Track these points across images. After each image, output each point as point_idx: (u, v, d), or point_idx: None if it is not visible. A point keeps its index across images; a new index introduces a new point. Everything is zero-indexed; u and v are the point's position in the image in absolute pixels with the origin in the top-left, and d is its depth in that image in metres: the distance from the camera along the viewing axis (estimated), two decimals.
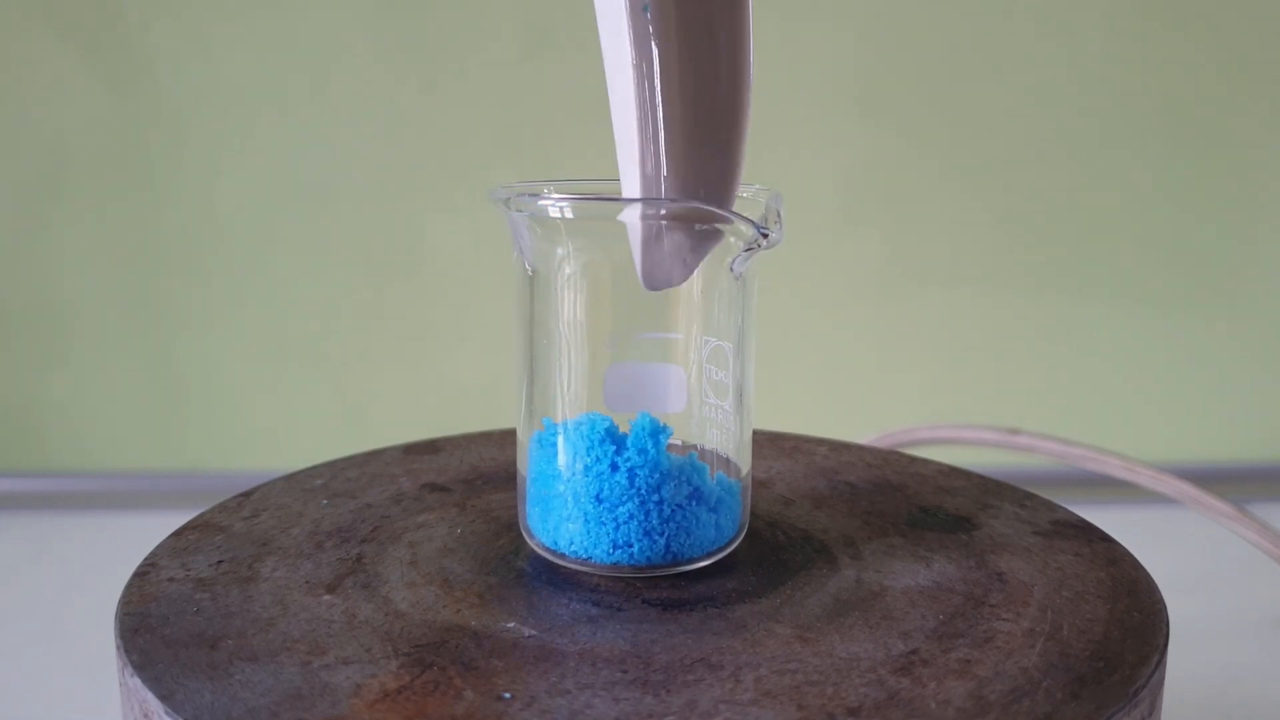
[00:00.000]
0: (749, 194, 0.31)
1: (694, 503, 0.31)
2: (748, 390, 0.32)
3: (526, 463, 0.32)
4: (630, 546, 0.30)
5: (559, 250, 0.30)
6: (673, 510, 0.30)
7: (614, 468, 0.30)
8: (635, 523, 0.30)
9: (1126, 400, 0.74)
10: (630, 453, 0.30)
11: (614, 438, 0.30)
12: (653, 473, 0.30)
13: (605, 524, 0.30)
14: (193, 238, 0.70)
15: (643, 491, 0.30)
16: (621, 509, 0.30)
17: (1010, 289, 0.72)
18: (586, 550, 0.30)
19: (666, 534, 0.30)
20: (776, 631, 0.28)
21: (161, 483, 0.72)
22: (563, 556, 0.31)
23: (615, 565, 0.30)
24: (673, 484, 0.30)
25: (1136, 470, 0.49)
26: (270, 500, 0.37)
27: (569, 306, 0.31)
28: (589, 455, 0.30)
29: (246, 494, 0.37)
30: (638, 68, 0.27)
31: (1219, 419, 0.74)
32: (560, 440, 0.31)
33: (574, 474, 0.30)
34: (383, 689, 0.25)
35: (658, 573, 0.31)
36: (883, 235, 0.71)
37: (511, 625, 0.28)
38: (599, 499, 0.30)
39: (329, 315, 0.72)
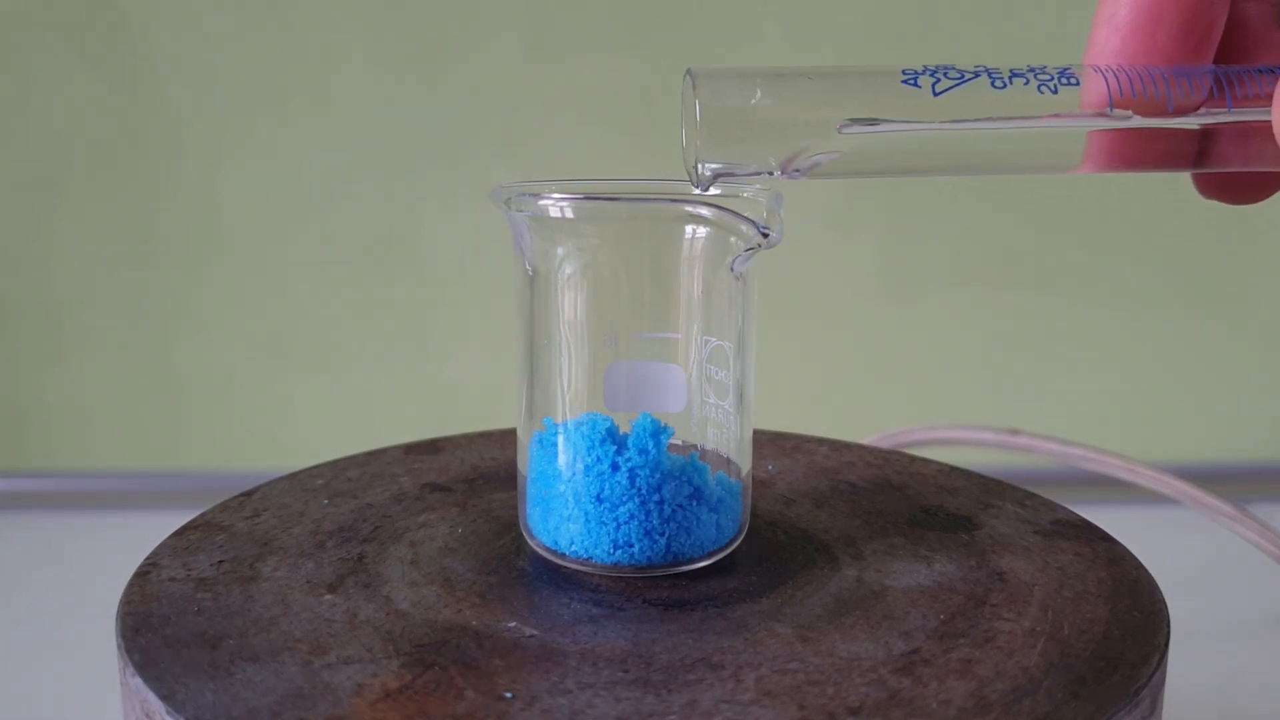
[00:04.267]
0: (749, 194, 0.31)
1: (694, 503, 0.31)
2: (748, 390, 0.32)
3: (527, 463, 0.32)
4: (631, 546, 0.30)
5: (559, 250, 0.30)
6: (673, 510, 0.30)
7: (615, 468, 0.30)
8: (636, 523, 0.30)
9: (1126, 400, 0.74)
10: (631, 453, 0.30)
11: (615, 438, 0.30)
12: (653, 473, 0.30)
13: (606, 524, 0.30)
14: (192, 237, 0.70)
15: (643, 491, 0.30)
16: (622, 509, 0.30)
17: (1010, 289, 0.72)
18: (587, 550, 0.30)
19: (667, 534, 0.30)
20: (777, 631, 0.28)
21: (161, 483, 0.72)
22: (563, 556, 0.31)
23: (616, 565, 0.30)
24: (673, 484, 0.30)
25: (1136, 470, 0.49)
26: (271, 500, 0.37)
27: (569, 306, 0.31)
28: (590, 455, 0.30)
29: (248, 494, 0.37)
30: None
31: (1219, 419, 0.74)
32: (561, 440, 0.31)
33: (575, 474, 0.30)
34: (384, 688, 0.25)
35: (658, 572, 0.31)
36: (883, 235, 0.71)
37: (513, 625, 0.28)
38: (600, 499, 0.30)
39: (329, 315, 0.72)
